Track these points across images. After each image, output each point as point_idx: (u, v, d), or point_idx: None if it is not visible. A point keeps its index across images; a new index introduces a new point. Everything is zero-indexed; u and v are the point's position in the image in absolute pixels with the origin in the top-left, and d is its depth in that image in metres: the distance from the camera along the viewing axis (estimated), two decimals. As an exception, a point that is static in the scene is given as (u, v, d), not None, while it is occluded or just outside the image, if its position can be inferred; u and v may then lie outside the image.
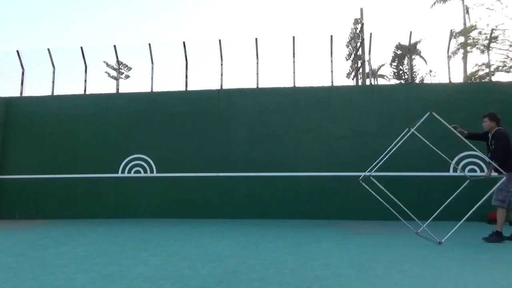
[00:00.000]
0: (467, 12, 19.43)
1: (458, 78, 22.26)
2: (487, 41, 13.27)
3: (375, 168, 5.54)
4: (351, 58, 15.24)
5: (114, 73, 10.70)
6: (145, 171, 8.41)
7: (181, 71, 9.03)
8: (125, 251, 4.06)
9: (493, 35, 13.47)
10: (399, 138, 5.47)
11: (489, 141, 5.25)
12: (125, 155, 8.47)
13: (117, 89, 9.41)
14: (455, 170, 7.71)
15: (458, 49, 15.89)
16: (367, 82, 12.94)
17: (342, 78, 16.15)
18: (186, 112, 8.55)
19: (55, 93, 9.24)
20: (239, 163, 8.16)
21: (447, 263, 3.39)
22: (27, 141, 8.84)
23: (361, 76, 15.07)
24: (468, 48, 15.37)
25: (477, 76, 15.59)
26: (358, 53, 14.39)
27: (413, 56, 23.28)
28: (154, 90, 8.95)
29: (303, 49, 8.84)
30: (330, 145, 8.06)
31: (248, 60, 8.87)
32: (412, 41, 10.48)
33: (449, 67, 8.82)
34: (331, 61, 8.77)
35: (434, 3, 21.79)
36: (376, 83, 23.43)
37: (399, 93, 8.34)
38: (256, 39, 8.80)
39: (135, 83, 9.77)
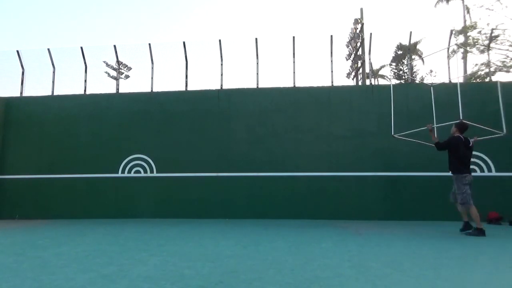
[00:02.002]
0: (468, 12, 19.44)
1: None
2: (487, 41, 13.26)
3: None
4: (351, 58, 15.25)
5: (114, 73, 10.71)
6: (145, 171, 8.41)
7: (181, 71, 9.04)
8: (125, 251, 4.06)
9: (493, 35, 13.47)
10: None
11: None
12: (125, 155, 8.48)
13: (117, 89, 9.42)
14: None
15: (459, 48, 15.87)
16: (367, 82, 12.94)
17: (342, 78, 16.17)
18: (186, 112, 8.56)
19: (55, 93, 9.25)
20: (239, 163, 8.17)
21: (447, 263, 3.39)
22: (27, 141, 8.84)
23: (361, 76, 15.07)
24: (468, 48, 15.37)
25: (477, 75, 15.59)
26: (358, 53, 14.39)
27: (413, 56, 23.28)
28: (154, 90, 8.95)
29: (303, 49, 8.85)
30: (330, 145, 8.07)
31: (248, 60, 8.89)
32: (412, 41, 10.48)
33: (449, 67, 8.84)
34: (331, 61, 8.78)
35: (438, 2, 21.80)
36: (376, 83, 23.44)
37: (399, 93, 8.34)
38: (256, 39, 8.81)
39: (135, 83, 9.80)
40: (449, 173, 7.81)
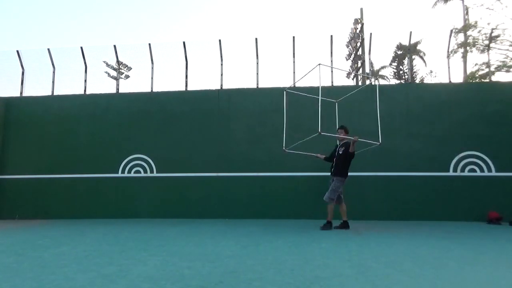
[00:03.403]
0: (467, 13, 19.41)
1: (458, 78, 22.28)
2: (487, 41, 13.24)
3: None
4: (351, 58, 15.25)
5: (114, 73, 10.70)
6: (145, 171, 8.41)
7: (181, 71, 9.03)
8: (125, 251, 4.06)
9: (493, 34, 13.46)
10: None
11: (337, 148, 6.37)
12: (125, 155, 8.48)
13: (117, 89, 9.42)
14: (455, 170, 7.72)
15: (459, 47, 15.86)
16: (367, 82, 12.94)
17: (342, 78, 16.17)
18: (186, 112, 8.56)
19: (55, 93, 9.25)
20: (239, 163, 8.16)
21: (447, 263, 3.39)
22: (27, 141, 8.84)
23: (361, 76, 15.07)
24: (468, 47, 15.33)
25: (477, 76, 15.56)
26: (358, 53, 14.39)
27: (413, 56, 23.29)
28: (154, 90, 8.95)
29: (303, 49, 8.84)
30: (330, 145, 8.05)
31: (248, 60, 8.88)
32: (413, 41, 10.48)
33: (449, 67, 8.83)
34: (331, 61, 8.78)
35: (436, 2, 21.80)
36: (376, 83, 23.40)
37: (399, 93, 8.35)
38: (256, 39, 8.80)
39: (135, 83, 9.78)
40: (448, 173, 7.85)
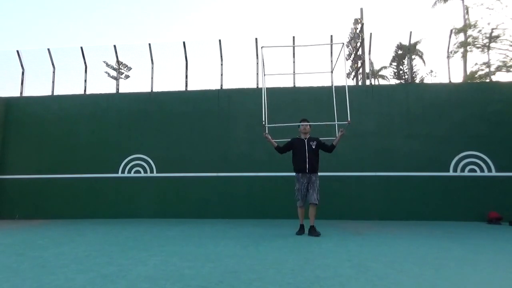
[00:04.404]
0: (467, 12, 19.43)
1: (458, 78, 22.29)
2: (487, 40, 13.26)
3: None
4: (351, 58, 15.25)
5: (114, 73, 10.72)
6: (145, 171, 8.41)
7: (181, 71, 9.04)
8: (125, 251, 4.06)
9: (493, 34, 13.48)
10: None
11: (306, 142, 5.94)
12: (125, 155, 8.48)
13: (117, 89, 9.42)
14: (455, 170, 7.72)
15: (459, 47, 15.85)
16: (367, 82, 12.94)
17: (342, 78, 16.18)
18: (186, 112, 8.56)
19: (55, 93, 9.25)
20: (239, 163, 8.16)
21: (447, 263, 3.39)
22: (27, 141, 8.84)
23: (361, 76, 15.07)
24: (468, 47, 15.34)
25: (477, 76, 15.56)
26: (358, 53, 14.39)
27: (413, 56, 23.29)
28: (154, 90, 8.95)
29: (303, 49, 8.84)
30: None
31: (248, 60, 8.89)
32: (412, 41, 10.47)
33: (449, 67, 8.84)
34: (331, 61, 8.78)
35: (436, 2, 21.83)
36: (377, 83, 23.43)
37: (399, 93, 8.35)
38: (256, 39, 8.81)
39: (135, 83, 9.81)
40: (448, 173, 7.85)
